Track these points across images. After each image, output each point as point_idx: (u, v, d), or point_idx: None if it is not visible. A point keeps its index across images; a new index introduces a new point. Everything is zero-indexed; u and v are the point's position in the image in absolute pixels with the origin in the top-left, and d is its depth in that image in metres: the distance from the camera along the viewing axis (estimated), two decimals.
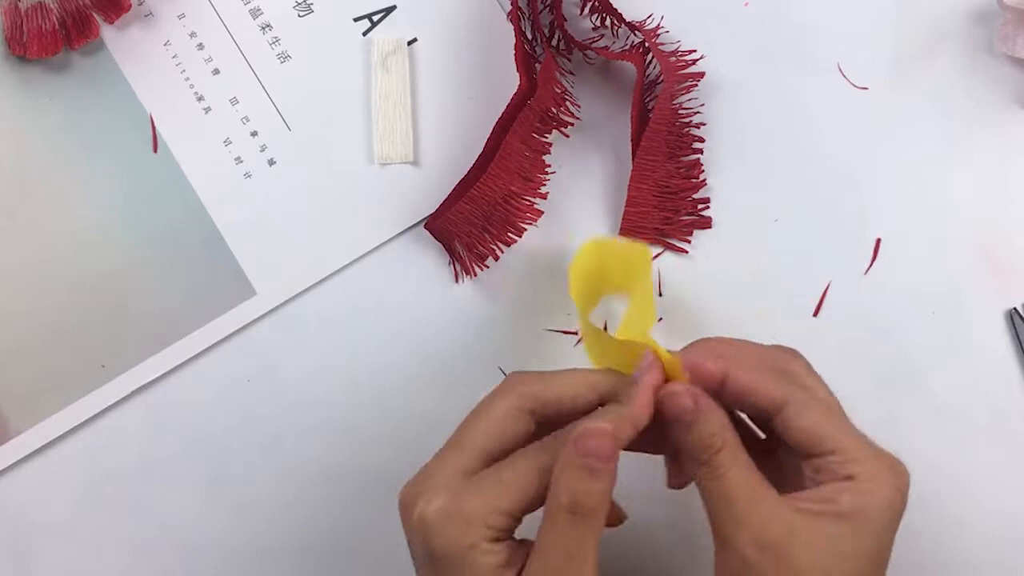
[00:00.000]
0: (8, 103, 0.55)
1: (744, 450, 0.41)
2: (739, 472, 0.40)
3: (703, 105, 0.57)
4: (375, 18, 0.57)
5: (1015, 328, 0.56)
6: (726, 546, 0.40)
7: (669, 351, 0.43)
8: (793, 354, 0.45)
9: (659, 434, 0.42)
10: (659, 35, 0.57)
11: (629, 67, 0.57)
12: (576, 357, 0.56)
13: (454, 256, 0.56)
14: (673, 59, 0.56)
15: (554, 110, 0.54)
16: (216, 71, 0.57)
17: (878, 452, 0.42)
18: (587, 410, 0.42)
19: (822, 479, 0.41)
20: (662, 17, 0.57)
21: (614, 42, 0.57)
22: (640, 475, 0.46)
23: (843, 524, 0.40)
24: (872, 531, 0.40)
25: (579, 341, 0.54)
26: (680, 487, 0.46)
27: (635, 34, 0.56)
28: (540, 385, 0.42)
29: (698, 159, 0.56)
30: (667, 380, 0.42)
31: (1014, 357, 0.56)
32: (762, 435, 0.45)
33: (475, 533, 0.39)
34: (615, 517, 0.45)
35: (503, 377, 0.44)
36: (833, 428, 0.41)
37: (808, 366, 0.45)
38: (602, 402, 0.42)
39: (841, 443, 0.41)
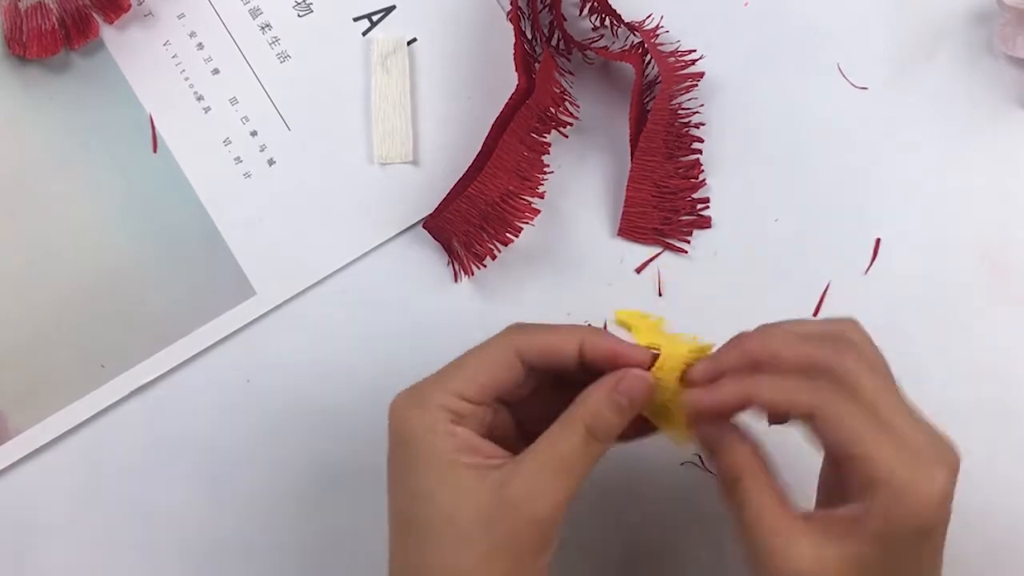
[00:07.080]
0: (8, 103, 0.55)
1: (767, 473, 0.41)
2: (761, 498, 0.40)
3: (703, 105, 0.57)
4: (375, 18, 0.57)
5: None
6: (756, 572, 0.40)
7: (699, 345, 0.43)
8: (837, 338, 0.42)
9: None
10: (658, 35, 0.57)
11: (628, 67, 0.57)
12: None
13: (452, 255, 0.56)
14: (672, 59, 0.56)
15: (553, 110, 0.54)
16: (216, 71, 0.57)
17: (908, 455, 0.39)
18: (572, 362, 0.43)
19: (850, 494, 0.40)
20: (662, 17, 0.57)
21: (613, 42, 0.57)
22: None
23: (869, 546, 0.39)
24: (898, 550, 0.39)
25: None
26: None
27: (634, 34, 0.56)
28: (533, 332, 0.43)
29: (697, 159, 0.56)
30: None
31: (1014, 356, 0.56)
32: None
33: (432, 415, 0.41)
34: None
35: None
36: (859, 436, 0.39)
37: (857, 345, 0.41)
38: (582, 354, 0.43)
39: (864, 454, 0.39)
